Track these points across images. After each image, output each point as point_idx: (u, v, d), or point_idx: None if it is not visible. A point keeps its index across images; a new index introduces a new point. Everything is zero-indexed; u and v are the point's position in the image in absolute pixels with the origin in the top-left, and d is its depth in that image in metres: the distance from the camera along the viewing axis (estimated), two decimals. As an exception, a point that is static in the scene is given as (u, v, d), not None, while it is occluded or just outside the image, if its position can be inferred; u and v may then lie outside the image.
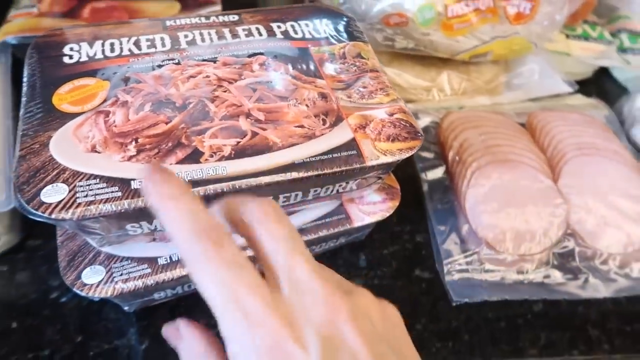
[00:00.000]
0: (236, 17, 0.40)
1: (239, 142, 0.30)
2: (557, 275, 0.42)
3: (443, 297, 0.41)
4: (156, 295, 0.35)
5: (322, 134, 0.32)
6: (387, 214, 0.38)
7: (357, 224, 0.37)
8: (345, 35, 0.40)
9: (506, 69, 0.60)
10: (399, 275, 0.42)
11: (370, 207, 0.38)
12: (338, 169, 0.30)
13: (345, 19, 0.42)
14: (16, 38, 0.49)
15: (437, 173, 0.49)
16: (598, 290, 0.42)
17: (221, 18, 0.40)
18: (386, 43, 0.55)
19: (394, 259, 0.43)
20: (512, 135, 0.49)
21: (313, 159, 0.30)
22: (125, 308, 0.36)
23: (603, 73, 0.66)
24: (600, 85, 0.65)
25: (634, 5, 0.72)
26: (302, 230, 0.36)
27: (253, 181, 0.29)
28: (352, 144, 0.32)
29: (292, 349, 0.17)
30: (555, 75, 0.59)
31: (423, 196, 0.47)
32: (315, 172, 0.30)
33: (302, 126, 0.32)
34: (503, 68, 0.60)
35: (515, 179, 0.44)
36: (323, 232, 0.36)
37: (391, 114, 0.34)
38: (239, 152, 0.30)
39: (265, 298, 0.18)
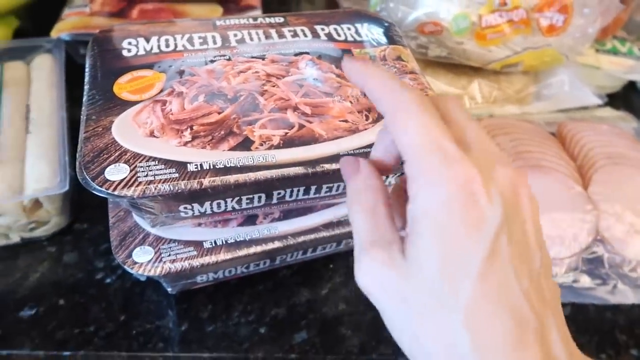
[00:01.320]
0: (282, 19, 0.42)
1: (286, 133, 0.32)
2: (586, 280, 0.42)
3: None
4: (199, 279, 0.37)
5: (366, 129, 0.33)
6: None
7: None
8: (385, 39, 0.42)
9: (536, 79, 0.61)
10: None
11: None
12: (380, 162, 0.32)
13: (385, 24, 0.43)
14: (69, 35, 0.51)
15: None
16: (627, 296, 0.42)
17: (268, 20, 0.42)
18: (420, 51, 0.56)
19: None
20: (542, 143, 0.50)
21: (357, 151, 0.32)
22: (169, 289, 0.37)
23: (631, 88, 0.67)
24: (628, 99, 0.66)
25: (664, 22, 0.73)
26: (339, 223, 0.37)
27: (300, 169, 0.30)
28: (393, 139, 0.33)
29: (480, 193, 0.18)
30: (584, 87, 0.60)
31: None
32: (359, 164, 0.31)
33: (346, 121, 0.33)
34: (533, 78, 0.61)
35: (546, 184, 0.45)
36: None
37: (430, 113, 0.35)
38: (287, 142, 0.31)
39: (460, 146, 0.19)
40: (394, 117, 0.20)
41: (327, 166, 0.31)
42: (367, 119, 0.34)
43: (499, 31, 0.54)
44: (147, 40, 0.38)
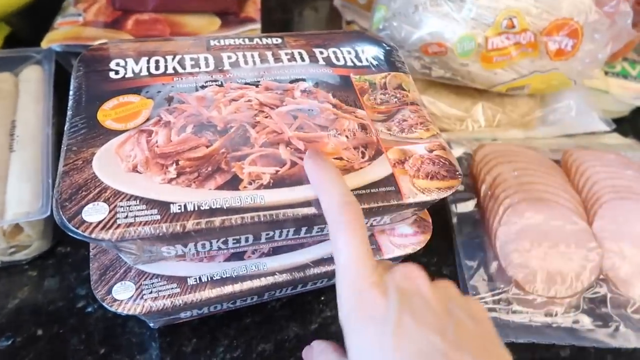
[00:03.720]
0: (279, 40, 0.41)
1: (278, 171, 0.30)
2: (586, 321, 0.41)
3: (468, 336, 0.40)
4: (182, 315, 0.35)
5: (361, 168, 0.32)
6: (418, 248, 0.37)
7: (387, 255, 0.37)
8: (386, 64, 0.40)
9: (542, 103, 0.60)
10: (424, 309, 0.42)
11: (401, 240, 0.38)
12: (375, 205, 0.30)
13: (387, 48, 0.42)
14: (61, 46, 0.50)
15: (467, 206, 0.48)
16: (629, 339, 0.40)
17: (264, 40, 0.40)
18: (423, 71, 0.55)
19: (420, 291, 0.43)
20: (546, 173, 0.48)
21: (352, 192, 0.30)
22: (151, 324, 0.36)
23: (640, 112, 0.65)
24: (637, 124, 0.64)
25: (675, 44, 0.71)
26: (331, 259, 0.36)
27: (290, 212, 0.29)
28: (390, 180, 0.31)
29: (374, 295, 0.23)
30: (592, 112, 0.58)
31: (451, 228, 0.47)
32: (353, 207, 0.30)
33: (341, 158, 0.32)
34: (539, 102, 0.59)
35: (548, 218, 0.43)
36: (352, 263, 0.36)
37: (431, 151, 0.34)
38: (278, 182, 0.30)
39: (371, 265, 0.25)
40: (333, 232, 0.26)
41: (317, 210, 0.29)
42: (363, 157, 0.32)
43: (506, 54, 0.52)
44: (136, 61, 0.36)
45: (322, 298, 0.41)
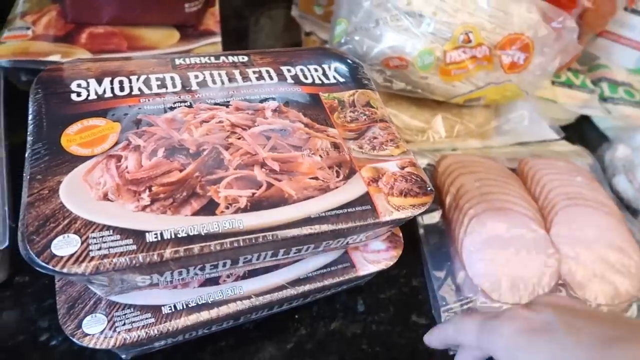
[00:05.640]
0: (245, 58, 0.40)
1: (254, 194, 0.30)
2: (548, 325, 0.43)
3: (440, 345, 0.41)
4: (157, 344, 0.34)
5: (337, 187, 0.32)
6: (391, 263, 0.38)
7: (361, 272, 0.37)
8: (353, 81, 0.41)
9: (497, 113, 0.62)
10: (396, 320, 0.42)
11: (375, 255, 0.38)
12: (353, 225, 0.30)
13: (352, 65, 0.42)
14: (8, 62, 0.47)
15: (433, 217, 0.49)
16: (587, 340, 0.43)
17: (230, 58, 0.40)
18: (385, 84, 0.56)
19: (391, 303, 0.44)
20: (505, 183, 0.50)
21: (329, 213, 0.30)
22: (123, 356, 0.34)
23: (585, 119, 0.69)
24: (581, 131, 0.68)
25: (612, 55, 0.76)
26: (306, 279, 0.36)
27: (269, 235, 0.28)
28: (366, 199, 0.32)
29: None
30: (542, 121, 0.61)
31: (419, 239, 0.48)
32: (332, 227, 0.30)
33: (316, 178, 0.32)
34: (494, 113, 0.62)
35: (510, 227, 0.45)
36: (328, 281, 0.36)
37: (402, 167, 0.34)
38: (255, 204, 0.29)
39: None
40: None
41: (296, 232, 0.29)
42: (338, 176, 0.33)
43: (463, 67, 0.54)
44: (99, 82, 0.35)
45: (297, 316, 0.41)
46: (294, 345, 0.39)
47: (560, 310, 0.26)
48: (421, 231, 0.48)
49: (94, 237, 0.26)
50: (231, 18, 0.79)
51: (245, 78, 0.38)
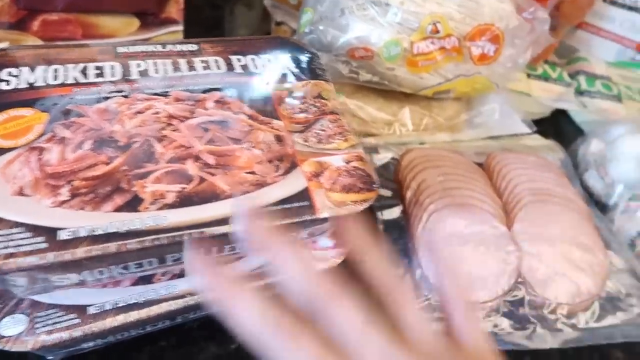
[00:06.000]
0: (195, 47, 0.39)
1: (184, 189, 0.28)
2: (505, 325, 0.42)
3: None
4: (85, 345, 0.32)
5: (275, 182, 0.30)
6: (339, 261, 0.36)
7: (308, 270, 0.36)
8: (307, 72, 0.39)
9: (467, 106, 0.61)
10: (350, 319, 0.41)
11: (322, 253, 0.37)
12: (288, 221, 0.29)
13: (308, 55, 0.41)
14: (-45, 48, 0.45)
15: (393, 213, 0.48)
16: (545, 340, 0.42)
17: (179, 47, 0.38)
18: (351, 75, 0.54)
19: (346, 301, 0.42)
20: (470, 178, 0.48)
21: (262, 210, 0.29)
22: (49, 358, 0.33)
23: (561, 113, 0.68)
24: (557, 125, 0.67)
25: (592, 48, 0.75)
26: (250, 276, 0.34)
27: (196, 232, 0.27)
28: (304, 195, 0.30)
29: None
30: (514, 115, 0.60)
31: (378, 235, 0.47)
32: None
33: (253, 172, 0.31)
34: (464, 105, 0.60)
35: (470, 224, 0.44)
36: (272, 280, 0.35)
37: (348, 162, 0.33)
38: (184, 200, 0.28)
39: None
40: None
41: (225, 229, 0.28)
42: (277, 170, 0.31)
43: (431, 58, 0.53)
44: (32, 70, 0.33)
45: (246, 314, 0.40)
46: (238, 345, 0.38)
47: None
48: (380, 227, 0.47)
49: (1, 235, 0.24)
50: (205, 7, 0.77)
51: (191, 67, 0.37)
